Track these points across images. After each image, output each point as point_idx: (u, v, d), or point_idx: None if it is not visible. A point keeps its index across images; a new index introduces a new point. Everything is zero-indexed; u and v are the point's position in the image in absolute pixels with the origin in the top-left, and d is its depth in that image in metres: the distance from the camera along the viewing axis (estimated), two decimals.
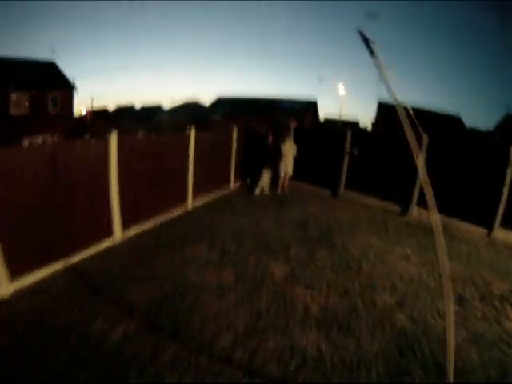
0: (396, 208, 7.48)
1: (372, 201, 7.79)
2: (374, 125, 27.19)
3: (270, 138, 8.22)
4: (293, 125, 9.85)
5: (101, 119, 29.44)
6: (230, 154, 8.29)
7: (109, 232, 4.98)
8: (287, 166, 8.25)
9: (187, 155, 6.52)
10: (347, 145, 8.10)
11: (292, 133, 8.64)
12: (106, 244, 4.88)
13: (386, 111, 22.49)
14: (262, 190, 8.23)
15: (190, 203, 6.82)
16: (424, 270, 4.80)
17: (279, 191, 8.40)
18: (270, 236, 5.60)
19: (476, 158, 6.59)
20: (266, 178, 8.19)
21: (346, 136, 8.12)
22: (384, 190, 7.61)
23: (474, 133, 20.36)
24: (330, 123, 30.08)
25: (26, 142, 17.83)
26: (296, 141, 8.44)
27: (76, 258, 4.43)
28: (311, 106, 28.21)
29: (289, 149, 8.22)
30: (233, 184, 8.59)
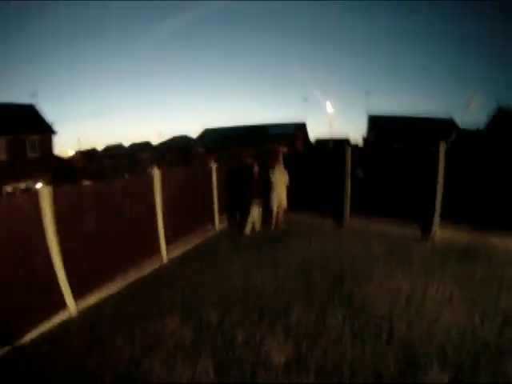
0: (415, 232, 6.20)
1: (385, 227, 6.49)
2: (365, 140, 26.44)
3: (256, 168, 7.11)
4: (282, 150, 8.77)
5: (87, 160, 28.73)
6: (211, 191, 7.12)
7: (57, 305, 3.86)
8: (279, 197, 7.06)
9: (152, 199, 5.35)
10: (348, 165, 6.94)
11: (281, 159, 7.50)
12: (56, 320, 3.80)
13: (377, 124, 21.76)
14: (253, 228, 6.99)
15: (165, 255, 5.57)
16: (477, 315, 3.52)
17: (273, 227, 7.15)
18: (264, 293, 4.25)
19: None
20: (255, 213, 6.97)
21: (344, 155, 6.99)
22: (397, 213, 6.37)
23: (470, 134, 19.40)
24: (322, 143, 29.28)
25: (8, 189, 17.39)
26: (288, 167, 7.32)
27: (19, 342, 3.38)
28: (301, 128, 27.66)
29: (279, 177, 7.08)
30: (218, 224, 7.35)
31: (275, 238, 6.53)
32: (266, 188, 7.07)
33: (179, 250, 5.94)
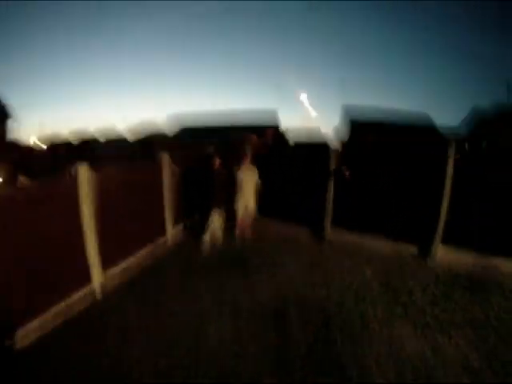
0: (410, 250, 5.16)
1: (374, 243, 5.38)
2: (339, 132, 25.47)
3: (217, 163, 5.63)
4: (252, 140, 7.36)
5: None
6: (162, 194, 5.60)
7: None
8: (247, 202, 5.71)
9: (76, 208, 3.79)
10: (332, 162, 5.63)
11: (251, 153, 6.06)
12: None
13: (351, 118, 20.80)
14: (214, 241, 5.57)
15: (98, 282, 4.06)
16: None
17: (238, 240, 5.78)
18: (223, 363, 2.90)
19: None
20: (216, 222, 5.55)
21: (328, 150, 5.74)
22: (390, 226, 5.27)
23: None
24: (298, 136, 27.96)
25: None
26: (260, 163, 5.93)
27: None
28: (275, 121, 26.24)
29: (248, 176, 5.69)
30: (171, 235, 5.83)
31: (240, 258, 5.13)
32: (230, 189, 5.67)
33: (119, 274, 4.43)
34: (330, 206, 5.77)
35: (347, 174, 5.44)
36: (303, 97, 27.54)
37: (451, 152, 4.59)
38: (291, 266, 4.79)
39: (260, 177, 5.83)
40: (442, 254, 4.89)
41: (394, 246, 5.20)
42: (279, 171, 6.28)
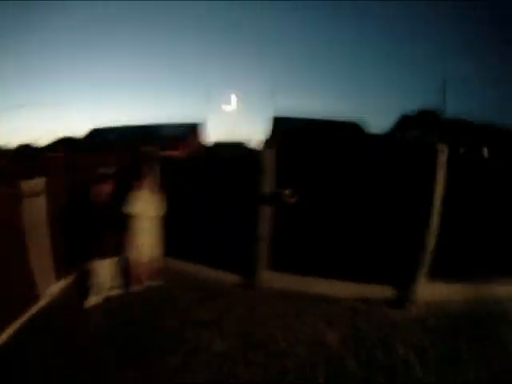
0: (382, 291, 3.84)
1: (330, 286, 3.93)
2: (267, 142, 24.71)
3: (104, 191, 3.89)
4: (155, 155, 5.47)
5: None
6: (20, 236, 3.46)
7: None
8: (146, 241, 4.04)
9: None
10: (266, 181, 4.05)
11: (154, 173, 4.47)
12: None
13: (282, 127, 20.05)
14: (103, 303, 3.77)
15: None
16: None
17: (137, 290, 4.02)
18: None
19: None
20: (104, 272, 3.84)
21: (259, 163, 4.07)
22: (351, 260, 3.88)
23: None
24: (222, 147, 26.35)
25: None
26: (171, 185, 4.38)
27: None
28: (196, 129, 24.62)
29: (147, 207, 4.01)
30: (49, 290, 3.81)
31: (137, 333, 3.23)
32: (123, 225, 3.95)
33: None
34: (264, 238, 4.12)
35: (291, 197, 3.92)
36: (232, 108, 26.66)
37: (442, 153, 3.52)
38: (213, 344, 3.09)
39: (170, 204, 4.22)
40: (426, 289, 3.77)
41: (357, 287, 3.86)
42: (198, 195, 4.65)
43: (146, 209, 3.99)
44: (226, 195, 4.46)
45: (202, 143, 24.71)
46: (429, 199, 3.54)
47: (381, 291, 3.83)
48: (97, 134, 23.25)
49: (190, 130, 22.92)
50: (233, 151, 20.45)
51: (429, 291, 3.73)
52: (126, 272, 4.04)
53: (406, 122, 20.90)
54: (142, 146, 5.25)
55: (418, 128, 19.73)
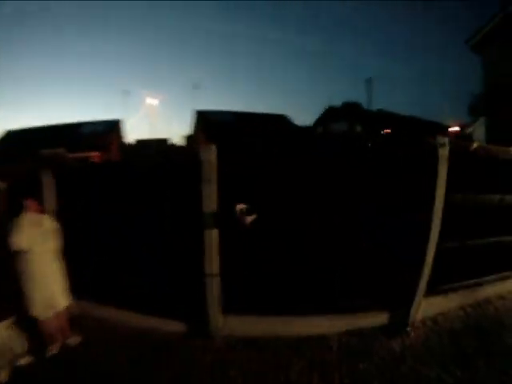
0: (373, 317, 3.09)
1: (311, 323, 3.00)
2: (189, 138, 23.11)
3: None
4: (64, 160, 3.95)
5: None
6: None
7: None
8: (46, 289, 2.67)
9: None
10: (209, 193, 2.80)
11: (50, 186, 3.17)
12: None
13: (206, 122, 18.82)
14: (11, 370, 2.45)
15: None
16: None
17: (50, 352, 2.70)
18: None
19: None
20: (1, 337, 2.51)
21: (196, 167, 2.80)
22: (332, 288, 2.96)
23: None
24: (144, 145, 23.53)
25: None
26: (75, 198, 3.23)
27: None
28: (116, 126, 21.75)
29: (35, 234, 2.65)
30: None
31: None
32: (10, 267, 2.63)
33: None
34: (214, 277, 2.90)
35: (246, 216, 2.79)
36: (152, 105, 24.50)
37: (444, 147, 2.81)
38: None
39: (83, 227, 3.06)
40: (425, 308, 3.16)
41: (342, 318, 3.03)
42: (119, 213, 3.27)
43: (36, 240, 2.62)
44: (156, 213, 3.18)
45: (124, 141, 22.14)
46: (426, 204, 2.87)
47: (373, 318, 3.07)
48: (8, 137, 18.90)
49: (111, 128, 20.16)
50: (158, 149, 18.65)
51: (423, 307, 3.14)
52: (34, 332, 2.72)
53: (331, 113, 21.58)
54: (45, 148, 3.71)
55: (344, 119, 20.44)
